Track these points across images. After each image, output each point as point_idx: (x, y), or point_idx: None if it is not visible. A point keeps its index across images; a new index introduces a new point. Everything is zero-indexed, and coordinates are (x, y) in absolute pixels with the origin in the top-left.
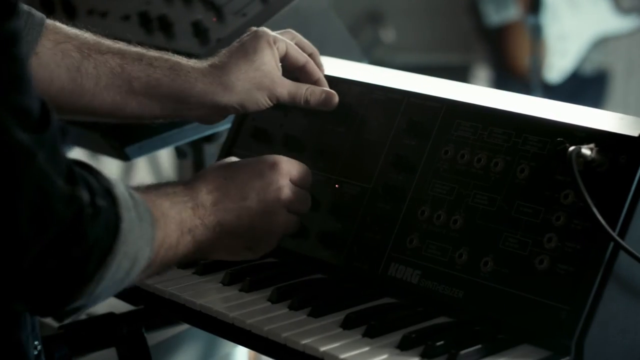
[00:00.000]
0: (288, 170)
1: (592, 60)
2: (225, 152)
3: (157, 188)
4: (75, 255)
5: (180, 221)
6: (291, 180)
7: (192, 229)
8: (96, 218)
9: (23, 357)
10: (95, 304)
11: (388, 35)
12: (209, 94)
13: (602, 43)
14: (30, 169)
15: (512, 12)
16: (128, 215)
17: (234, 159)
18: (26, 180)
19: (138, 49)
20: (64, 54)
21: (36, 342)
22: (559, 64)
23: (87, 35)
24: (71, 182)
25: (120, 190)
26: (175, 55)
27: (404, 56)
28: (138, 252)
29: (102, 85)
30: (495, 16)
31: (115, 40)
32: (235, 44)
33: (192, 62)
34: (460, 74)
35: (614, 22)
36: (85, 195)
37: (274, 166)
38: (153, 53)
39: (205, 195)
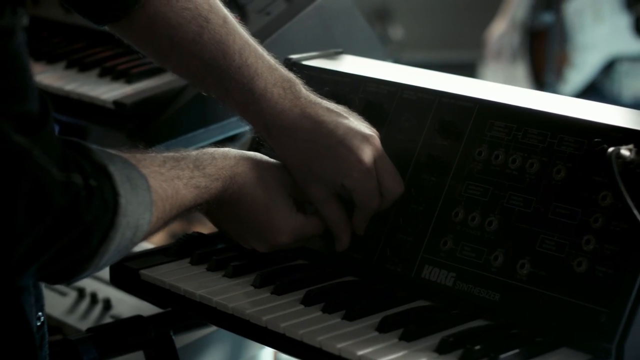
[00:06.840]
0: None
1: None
2: (253, 150)
3: (174, 166)
4: (74, 237)
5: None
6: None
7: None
8: (91, 199)
9: (25, 325)
10: (103, 269)
11: (396, 32)
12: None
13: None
14: (26, 165)
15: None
16: (123, 189)
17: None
18: (23, 177)
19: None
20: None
21: (40, 313)
22: (574, 77)
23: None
24: (65, 169)
25: (115, 164)
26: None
27: (411, 53)
28: (139, 220)
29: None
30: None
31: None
32: (326, 137)
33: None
34: (468, 71)
35: (629, 44)
36: (78, 180)
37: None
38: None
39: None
